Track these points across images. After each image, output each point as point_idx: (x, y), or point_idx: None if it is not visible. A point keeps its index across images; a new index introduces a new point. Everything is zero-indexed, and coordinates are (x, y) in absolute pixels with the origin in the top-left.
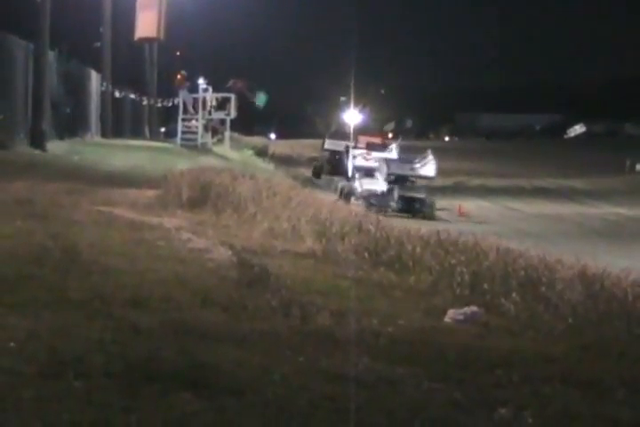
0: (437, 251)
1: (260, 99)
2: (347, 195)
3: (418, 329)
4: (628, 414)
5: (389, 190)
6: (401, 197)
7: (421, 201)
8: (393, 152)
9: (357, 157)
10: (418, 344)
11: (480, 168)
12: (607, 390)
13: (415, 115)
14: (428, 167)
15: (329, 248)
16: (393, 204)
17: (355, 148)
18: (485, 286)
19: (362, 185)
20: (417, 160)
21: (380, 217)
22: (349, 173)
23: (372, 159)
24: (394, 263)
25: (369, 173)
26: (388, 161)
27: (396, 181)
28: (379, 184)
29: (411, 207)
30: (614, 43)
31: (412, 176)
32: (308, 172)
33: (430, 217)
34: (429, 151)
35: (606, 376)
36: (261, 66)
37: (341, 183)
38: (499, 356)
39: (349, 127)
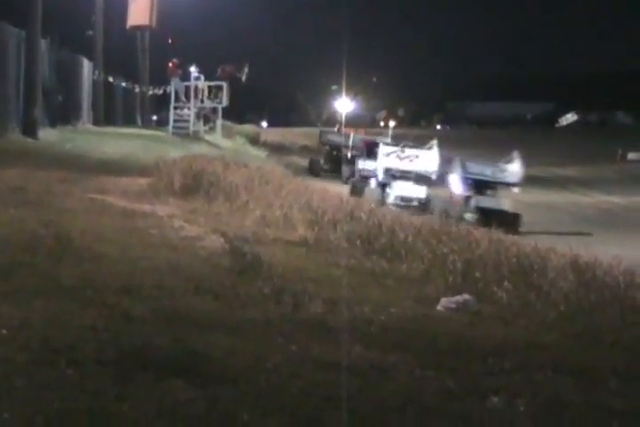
0: (430, 239)
1: (245, 71)
2: (359, 190)
3: (410, 317)
4: (620, 402)
5: (467, 199)
6: (479, 209)
7: (503, 214)
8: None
9: (390, 156)
10: (410, 332)
11: (474, 156)
12: (599, 378)
13: (407, 103)
14: (513, 171)
15: (321, 236)
16: (469, 215)
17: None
18: (477, 274)
19: (396, 190)
20: (502, 162)
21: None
22: (379, 175)
23: (408, 158)
24: (386, 251)
25: (404, 175)
26: (462, 161)
27: (476, 186)
28: (417, 190)
29: (490, 220)
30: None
31: (495, 182)
32: (300, 160)
33: (515, 232)
34: (515, 153)
35: (598, 364)
36: (253, 53)
37: (353, 179)
38: (491, 344)
39: (341, 116)
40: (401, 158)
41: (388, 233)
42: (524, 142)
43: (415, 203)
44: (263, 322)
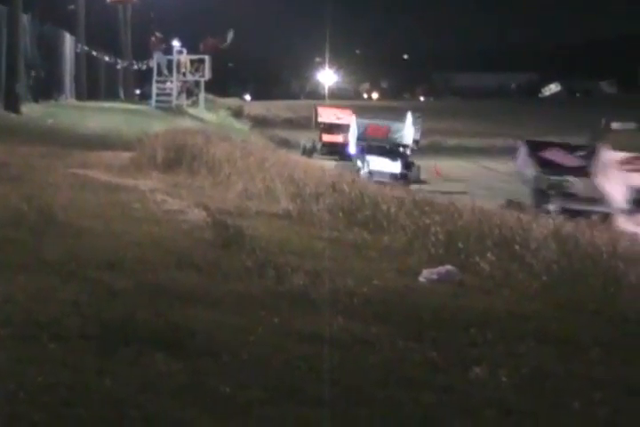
0: (412, 211)
1: (229, 37)
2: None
3: (392, 289)
4: (602, 372)
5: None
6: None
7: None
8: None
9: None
10: (392, 304)
11: (456, 128)
12: (582, 348)
13: (391, 75)
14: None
15: (304, 209)
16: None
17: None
18: (460, 245)
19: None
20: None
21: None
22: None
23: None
24: (368, 223)
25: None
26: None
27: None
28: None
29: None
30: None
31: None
32: (283, 133)
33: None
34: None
35: (581, 334)
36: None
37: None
38: (473, 315)
39: (323, 88)
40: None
41: (370, 205)
42: (507, 113)
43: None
44: (246, 295)
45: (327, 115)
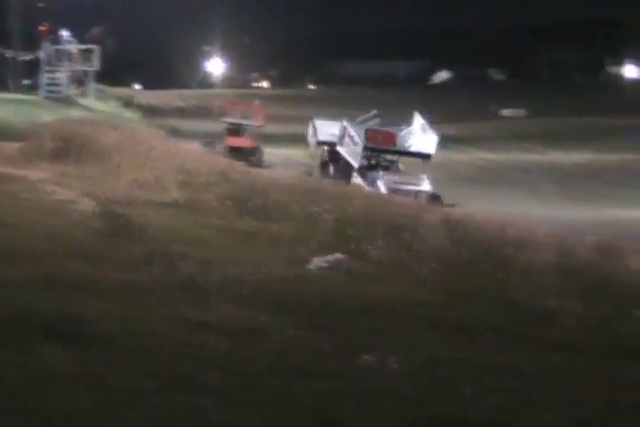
0: (302, 199)
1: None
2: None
3: (282, 277)
4: (493, 358)
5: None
6: None
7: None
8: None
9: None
10: (283, 292)
11: (347, 115)
12: (472, 334)
13: (280, 63)
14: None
15: (193, 197)
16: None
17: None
18: (350, 232)
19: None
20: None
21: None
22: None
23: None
24: (259, 212)
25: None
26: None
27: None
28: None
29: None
30: None
31: None
32: (174, 122)
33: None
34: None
35: (471, 321)
36: (126, 16)
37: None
38: (364, 302)
39: (213, 76)
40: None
41: (261, 194)
42: (398, 101)
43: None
44: (135, 284)
45: (234, 113)
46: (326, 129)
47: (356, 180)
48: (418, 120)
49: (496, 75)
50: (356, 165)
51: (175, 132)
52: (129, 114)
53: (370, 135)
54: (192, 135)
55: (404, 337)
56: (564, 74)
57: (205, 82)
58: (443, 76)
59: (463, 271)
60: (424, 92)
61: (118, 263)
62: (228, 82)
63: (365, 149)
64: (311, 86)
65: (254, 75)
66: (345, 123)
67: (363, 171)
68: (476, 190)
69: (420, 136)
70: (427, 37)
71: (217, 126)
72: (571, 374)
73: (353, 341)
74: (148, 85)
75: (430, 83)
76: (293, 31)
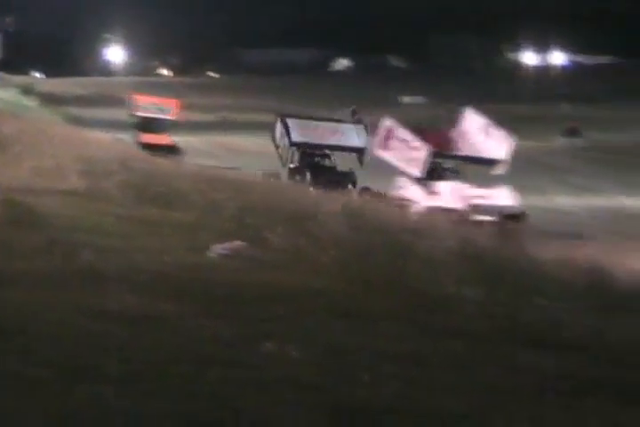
0: (204, 187)
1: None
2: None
3: (183, 265)
4: (393, 345)
5: None
6: None
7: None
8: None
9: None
10: (184, 280)
11: (247, 104)
12: (373, 322)
13: (181, 51)
14: None
15: (94, 185)
16: None
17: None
18: (251, 220)
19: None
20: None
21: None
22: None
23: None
24: (159, 200)
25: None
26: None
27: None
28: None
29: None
30: None
31: None
32: (75, 110)
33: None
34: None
35: (371, 308)
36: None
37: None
38: (264, 290)
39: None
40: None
41: (162, 182)
42: (298, 88)
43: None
44: (35, 273)
45: (146, 106)
46: (300, 129)
47: (409, 191)
48: (474, 119)
49: (396, 62)
50: (419, 173)
51: (76, 120)
52: (28, 102)
53: (432, 138)
54: (94, 123)
55: (304, 325)
56: (464, 61)
57: (106, 69)
58: (343, 63)
59: (363, 259)
60: (325, 80)
61: (18, 252)
62: (129, 69)
63: (436, 155)
64: (212, 74)
65: (155, 62)
66: (389, 122)
67: (422, 180)
68: (371, 176)
69: (484, 138)
70: (327, 25)
71: (119, 114)
72: (472, 361)
73: (253, 328)
74: (48, 73)
75: (331, 70)
76: (195, 19)
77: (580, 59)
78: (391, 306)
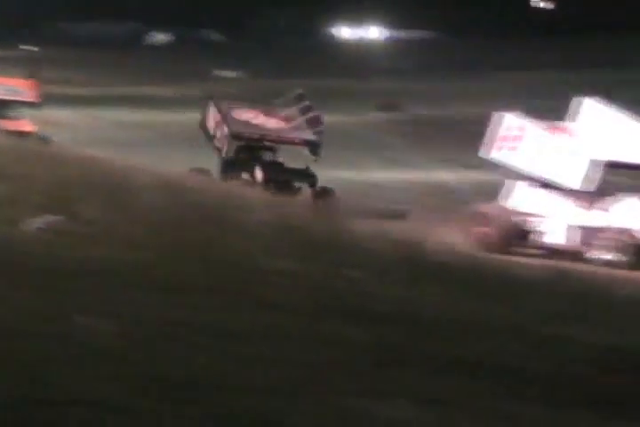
0: (16, 161)
1: None
2: None
3: None
4: (207, 317)
5: None
6: None
7: None
8: None
9: None
10: None
11: (64, 77)
12: (187, 294)
13: None
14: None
15: None
16: None
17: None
18: (65, 193)
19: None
20: None
21: None
22: None
23: None
24: None
25: None
26: None
27: None
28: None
29: None
30: None
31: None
32: None
33: None
34: None
35: (185, 281)
36: None
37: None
38: (77, 263)
39: None
40: None
41: None
42: (113, 62)
43: None
44: None
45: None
46: (240, 116)
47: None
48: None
49: (213, 36)
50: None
51: None
52: None
53: None
54: None
55: (117, 298)
56: (280, 36)
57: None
58: (159, 37)
59: (177, 232)
60: (139, 54)
61: None
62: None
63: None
64: (25, 47)
65: None
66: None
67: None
68: (185, 151)
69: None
70: None
71: None
72: (287, 334)
73: (66, 302)
74: None
75: (146, 44)
76: None
77: (397, 33)
78: (205, 278)
